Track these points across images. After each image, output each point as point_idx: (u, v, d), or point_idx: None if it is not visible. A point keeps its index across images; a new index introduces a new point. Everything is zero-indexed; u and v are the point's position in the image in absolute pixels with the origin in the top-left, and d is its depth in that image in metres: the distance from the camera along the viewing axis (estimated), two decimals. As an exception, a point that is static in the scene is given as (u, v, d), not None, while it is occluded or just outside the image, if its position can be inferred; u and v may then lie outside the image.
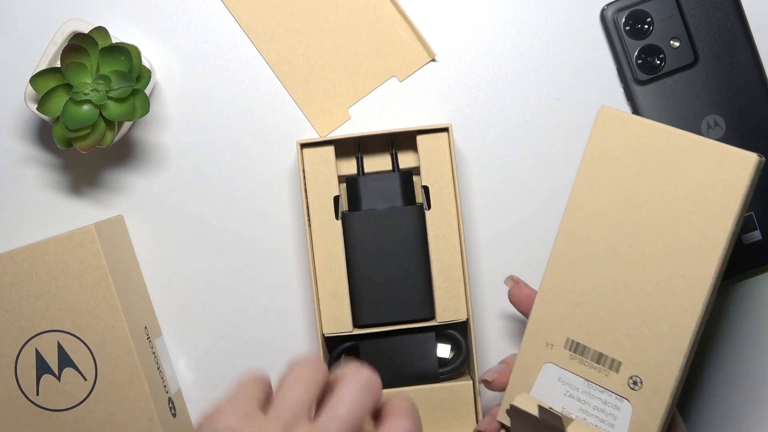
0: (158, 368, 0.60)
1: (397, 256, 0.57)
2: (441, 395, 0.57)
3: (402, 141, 0.59)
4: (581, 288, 0.49)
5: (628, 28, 0.59)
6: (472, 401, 0.57)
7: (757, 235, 0.60)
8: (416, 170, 0.59)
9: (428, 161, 0.57)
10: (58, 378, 0.57)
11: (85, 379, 0.57)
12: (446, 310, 0.57)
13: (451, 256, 0.57)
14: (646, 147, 0.48)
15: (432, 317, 0.58)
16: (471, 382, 0.57)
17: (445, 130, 0.57)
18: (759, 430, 0.63)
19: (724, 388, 0.62)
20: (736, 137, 0.60)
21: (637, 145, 0.48)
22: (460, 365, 0.59)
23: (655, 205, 0.48)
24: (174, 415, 0.60)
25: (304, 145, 0.57)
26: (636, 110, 0.60)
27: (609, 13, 0.60)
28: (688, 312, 0.47)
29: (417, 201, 0.59)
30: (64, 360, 0.56)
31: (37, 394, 0.57)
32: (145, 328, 0.59)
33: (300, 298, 0.61)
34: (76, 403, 0.57)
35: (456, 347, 0.59)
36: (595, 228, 0.49)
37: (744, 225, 0.60)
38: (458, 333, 0.59)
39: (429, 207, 0.57)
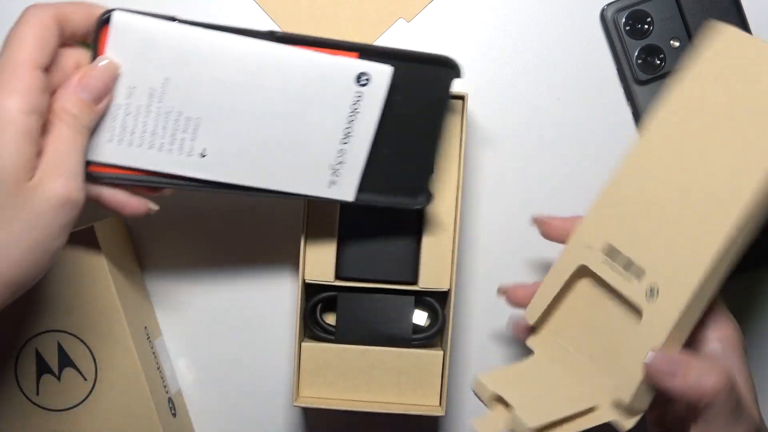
0: (158, 368, 0.60)
1: (390, 215, 0.56)
2: (410, 361, 0.58)
3: None
4: (637, 196, 0.48)
5: (628, 28, 0.59)
6: (440, 372, 0.58)
7: (756, 234, 0.60)
8: None
9: None
10: (58, 378, 0.57)
11: (85, 379, 0.57)
12: (429, 277, 0.57)
13: (444, 224, 0.57)
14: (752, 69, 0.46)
15: (414, 282, 0.58)
16: (441, 353, 0.58)
17: (461, 98, 0.57)
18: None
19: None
20: (736, 137, 0.60)
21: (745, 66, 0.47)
22: (434, 335, 0.59)
23: (732, 124, 0.46)
24: (174, 415, 0.60)
25: None
26: (636, 110, 0.60)
27: (609, 13, 0.60)
28: (716, 229, 0.45)
29: None
30: (64, 360, 0.56)
31: (37, 394, 0.57)
32: (145, 328, 0.59)
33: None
34: (76, 403, 0.57)
35: (433, 316, 0.60)
36: (673, 140, 0.48)
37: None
38: (437, 302, 0.59)
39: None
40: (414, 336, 0.59)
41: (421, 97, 0.50)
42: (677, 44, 0.59)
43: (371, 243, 0.57)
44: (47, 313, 0.56)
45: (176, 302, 0.63)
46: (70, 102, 0.43)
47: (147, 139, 0.47)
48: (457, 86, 0.57)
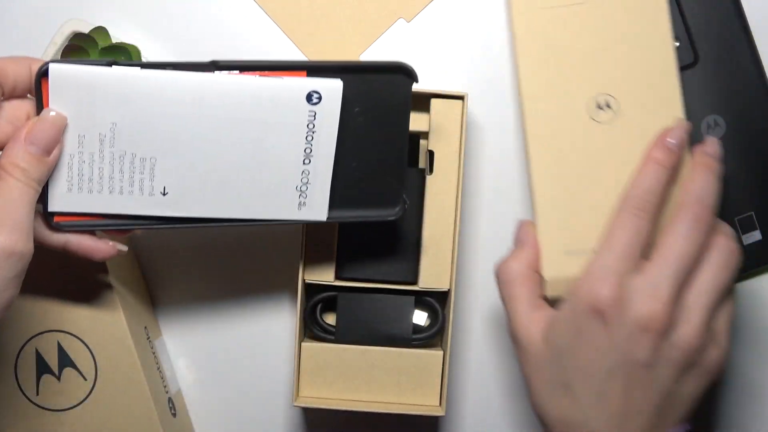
0: (158, 368, 0.60)
1: None
2: (410, 361, 0.58)
3: (415, 98, 0.57)
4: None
5: (628, 28, 0.59)
6: (440, 372, 0.58)
7: (757, 235, 0.60)
8: (424, 135, 0.59)
9: (438, 126, 0.57)
10: (58, 378, 0.57)
11: (85, 379, 0.57)
12: (429, 278, 0.57)
13: (445, 225, 0.57)
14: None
15: (414, 282, 0.58)
16: (441, 352, 0.58)
17: (461, 98, 0.57)
18: (760, 430, 0.63)
19: (725, 388, 0.62)
20: (736, 137, 0.60)
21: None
22: (434, 335, 0.59)
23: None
24: (174, 415, 0.60)
25: None
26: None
27: (609, 13, 0.59)
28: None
29: (420, 165, 0.59)
30: (64, 360, 0.56)
31: (37, 394, 0.57)
32: (145, 328, 0.59)
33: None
34: (76, 403, 0.57)
35: (433, 316, 0.60)
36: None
37: (744, 225, 0.60)
38: (437, 302, 0.59)
39: (431, 172, 0.57)
40: (414, 336, 0.59)
41: (380, 106, 0.50)
42: (677, 44, 0.59)
43: (371, 243, 0.57)
44: (47, 313, 0.56)
45: (176, 302, 0.63)
46: (19, 156, 0.44)
47: (106, 184, 0.47)
48: (457, 86, 0.57)
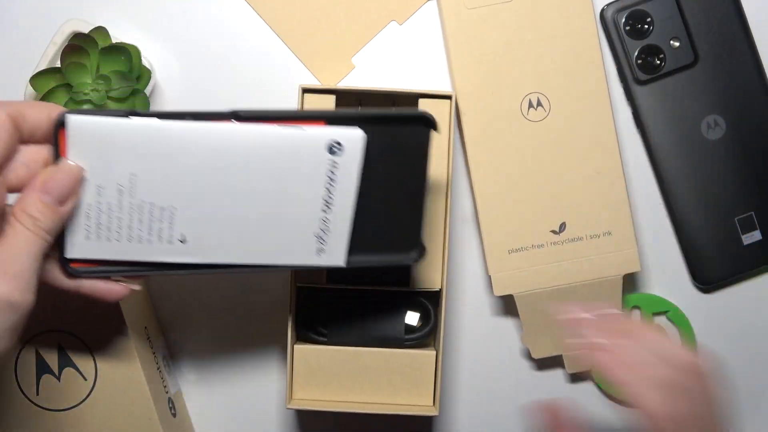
0: (158, 368, 0.60)
1: None
2: (402, 361, 0.57)
3: (404, 99, 0.58)
4: None
5: (628, 28, 0.59)
6: (432, 372, 0.57)
7: (757, 235, 0.60)
8: None
9: None
10: (58, 378, 0.57)
11: (85, 379, 0.57)
12: (421, 278, 0.57)
13: (435, 225, 0.57)
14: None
15: (406, 282, 0.58)
16: (434, 352, 0.57)
17: (449, 97, 0.57)
18: (761, 430, 0.63)
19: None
20: (736, 137, 0.60)
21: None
22: (427, 335, 0.59)
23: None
24: (174, 415, 0.60)
25: (306, 90, 0.56)
26: (635, 110, 0.60)
27: (609, 13, 0.60)
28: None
29: None
30: (64, 360, 0.57)
31: (37, 394, 0.57)
32: (145, 328, 0.59)
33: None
34: (76, 403, 0.57)
35: (425, 316, 0.59)
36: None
37: (744, 225, 0.60)
38: (429, 302, 0.59)
39: None
40: (407, 336, 0.58)
41: (399, 154, 0.49)
42: (677, 44, 0.59)
43: None
44: (47, 313, 0.56)
45: (176, 304, 0.63)
46: (31, 205, 0.43)
47: (124, 233, 0.47)
48: (447, 88, 0.57)
